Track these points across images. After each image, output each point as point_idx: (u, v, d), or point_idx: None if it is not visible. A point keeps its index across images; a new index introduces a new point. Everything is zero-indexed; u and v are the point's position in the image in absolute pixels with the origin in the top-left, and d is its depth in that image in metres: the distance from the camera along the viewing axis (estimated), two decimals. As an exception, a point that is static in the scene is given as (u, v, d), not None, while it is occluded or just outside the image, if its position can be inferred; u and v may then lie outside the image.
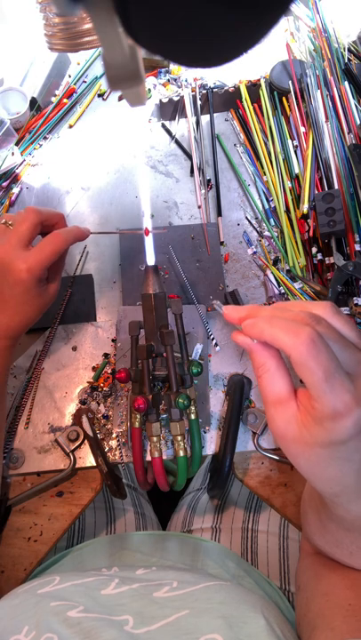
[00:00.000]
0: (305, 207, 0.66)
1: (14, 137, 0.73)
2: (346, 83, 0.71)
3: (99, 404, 0.62)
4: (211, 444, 0.61)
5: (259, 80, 0.75)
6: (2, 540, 0.58)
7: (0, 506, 0.58)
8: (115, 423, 0.61)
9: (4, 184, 0.73)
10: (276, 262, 0.68)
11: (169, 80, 0.78)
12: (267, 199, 0.71)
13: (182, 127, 0.77)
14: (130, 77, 0.31)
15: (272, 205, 0.70)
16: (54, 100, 0.78)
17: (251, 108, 0.74)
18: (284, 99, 0.74)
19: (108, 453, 0.60)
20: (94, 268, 0.70)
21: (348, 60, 0.73)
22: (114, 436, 0.61)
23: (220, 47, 0.23)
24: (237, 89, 0.74)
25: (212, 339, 0.64)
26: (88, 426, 0.59)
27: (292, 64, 0.72)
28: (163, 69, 0.78)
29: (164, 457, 0.56)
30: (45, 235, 0.53)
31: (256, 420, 0.60)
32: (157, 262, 0.56)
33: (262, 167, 0.72)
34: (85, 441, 0.60)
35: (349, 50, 0.74)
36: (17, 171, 0.74)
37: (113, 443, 0.60)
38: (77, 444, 0.60)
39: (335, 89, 0.70)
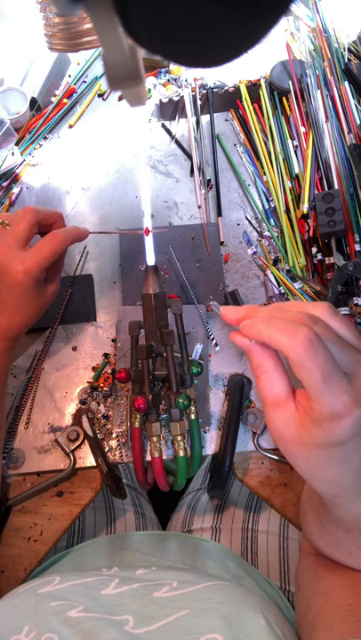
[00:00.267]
0: (305, 207, 0.66)
1: (14, 137, 0.73)
2: (346, 83, 0.71)
3: (99, 404, 0.62)
4: (211, 444, 0.61)
5: (259, 80, 0.75)
6: (2, 540, 0.58)
7: (0, 506, 0.58)
8: (115, 423, 0.61)
9: (4, 184, 0.73)
10: (276, 262, 0.68)
11: (169, 80, 0.78)
12: (267, 199, 0.71)
13: (182, 127, 0.77)
14: (130, 77, 0.31)
15: (272, 205, 0.70)
16: (54, 100, 0.78)
17: (251, 108, 0.74)
18: (284, 99, 0.74)
19: (108, 453, 0.60)
20: (94, 268, 0.70)
21: (348, 59, 0.73)
22: (114, 435, 0.61)
23: (220, 47, 0.23)
24: (237, 89, 0.74)
25: (212, 339, 0.64)
26: (88, 426, 0.59)
27: (292, 64, 0.72)
28: (163, 69, 0.78)
29: (164, 457, 0.56)
30: (44, 234, 0.52)
31: (256, 419, 0.60)
32: (157, 262, 0.56)
33: (262, 167, 0.72)
34: (85, 441, 0.60)
35: (349, 50, 0.74)
36: (17, 171, 0.74)
37: (113, 443, 0.60)
38: (77, 444, 0.60)
39: (335, 89, 0.70)
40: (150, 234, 0.54)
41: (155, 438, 0.53)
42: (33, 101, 0.76)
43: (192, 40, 0.22)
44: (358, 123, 0.69)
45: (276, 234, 0.69)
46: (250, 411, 0.61)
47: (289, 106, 0.73)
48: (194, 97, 0.75)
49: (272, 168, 0.71)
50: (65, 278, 0.68)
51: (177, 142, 0.76)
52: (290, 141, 0.71)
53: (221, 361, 0.64)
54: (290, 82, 0.71)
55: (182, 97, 0.75)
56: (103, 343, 0.65)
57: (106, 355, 0.64)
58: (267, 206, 0.70)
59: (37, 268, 0.49)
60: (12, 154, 0.73)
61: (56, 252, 0.51)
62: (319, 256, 0.65)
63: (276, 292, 0.65)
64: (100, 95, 0.80)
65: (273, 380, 0.33)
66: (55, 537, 0.58)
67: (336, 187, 0.66)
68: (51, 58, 0.77)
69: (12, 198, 0.73)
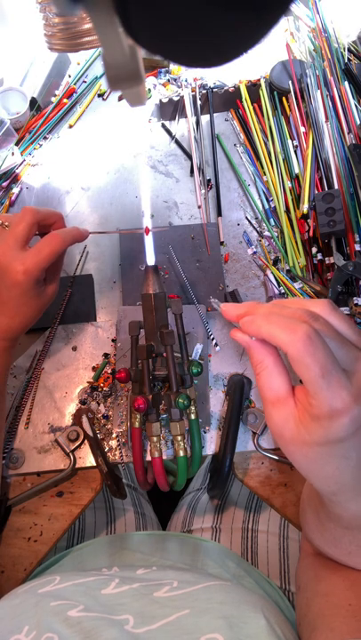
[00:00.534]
0: (305, 207, 0.66)
1: (14, 137, 0.73)
2: (346, 83, 0.71)
3: (99, 404, 0.62)
4: (211, 444, 0.61)
5: (259, 80, 0.75)
6: (2, 539, 0.58)
7: (0, 506, 0.58)
8: (115, 423, 0.61)
9: (4, 184, 0.73)
10: (276, 262, 0.68)
11: (169, 80, 0.78)
12: (267, 199, 0.71)
13: (182, 127, 0.77)
14: (130, 77, 0.31)
15: (272, 205, 0.70)
16: (54, 100, 0.78)
17: (251, 107, 0.74)
18: (284, 99, 0.74)
19: (108, 453, 0.60)
20: (94, 268, 0.70)
21: (348, 59, 0.73)
22: (114, 435, 0.61)
23: (220, 47, 0.23)
24: (237, 89, 0.74)
25: (212, 339, 0.64)
26: (88, 426, 0.59)
27: (292, 64, 0.72)
28: (163, 69, 0.78)
29: (164, 457, 0.56)
30: (44, 235, 0.52)
31: (256, 419, 0.60)
32: (157, 262, 0.56)
33: (262, 167, 0.72)
34: (85, 441, 0.60)
35: (349, 50, 0.74)
36: (17, 171, 0.74)
37: (113, 443, 0.60)
38: (77, 444, 0.60)
39: (335, 89, 0.70)
40: (150, 233, 0.54)
41: (155, 438, 0.53)
42: (33, 101, 0.76)
43: (192, 40, 0.22)
44: (358, 123, 0.69)
45: (276, 234, 0.69)
46: (250, 411, 0.61)
47: (289, 106, 0.73)
48: (194, 97, 0.75)
49: (272, 168, 0.71)
50: (65, 278, 0.68)
51: (177, 142, 0.76)
52: (290, 141, 0.71)
53: (221, 361, 0.64)
54: (290, 82, 0.71)
55: (182, 97, 0.75)
56: (103, 343, 0.65)
57: (106, 355, 0.64)
58: (267, 206, 0.70)
59: (37, 268, 0.49)
60: (12, 154, 0.73)
61: (56, 252, 0.51)
62: (319, 256, 0.65)
63: (276, 292, 0.65)
64: (100, 95, 0.80)
65: (273, 376, 0.33)
66: (55, 537, 0.58)
67: (336, 187, 0.66)
68: (51, 58, 0.77)
69: (12, 198, 0.73)
